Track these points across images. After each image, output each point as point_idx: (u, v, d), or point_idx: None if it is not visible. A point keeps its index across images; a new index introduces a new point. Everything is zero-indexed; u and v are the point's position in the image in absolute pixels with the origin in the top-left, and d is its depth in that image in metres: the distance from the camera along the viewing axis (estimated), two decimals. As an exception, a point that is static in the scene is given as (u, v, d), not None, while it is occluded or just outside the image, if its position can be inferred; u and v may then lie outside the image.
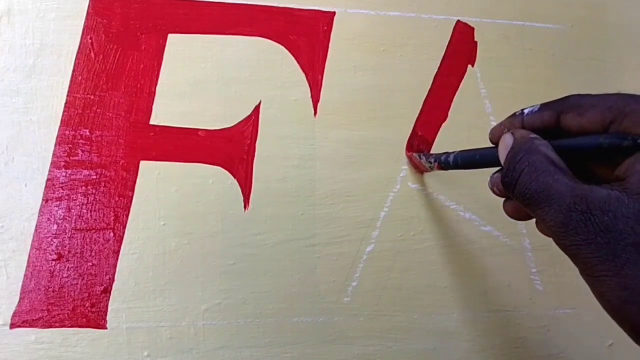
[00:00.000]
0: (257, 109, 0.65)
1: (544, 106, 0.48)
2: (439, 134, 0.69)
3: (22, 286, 0.58)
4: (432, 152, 0.68)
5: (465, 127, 0.70)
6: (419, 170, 0.68)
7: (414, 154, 0.66)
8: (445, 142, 0.69)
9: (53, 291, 0.59)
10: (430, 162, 0.63)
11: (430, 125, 0.69)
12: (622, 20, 0.76)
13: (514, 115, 0.50)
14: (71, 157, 0.61)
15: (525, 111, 0.49)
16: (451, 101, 0.70)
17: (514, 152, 0.45)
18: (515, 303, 0.68)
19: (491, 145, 0.51)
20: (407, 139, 0.68)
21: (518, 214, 0.50)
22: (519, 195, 0.44)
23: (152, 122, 0.63)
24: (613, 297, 0.38)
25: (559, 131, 0.46)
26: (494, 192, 0.51)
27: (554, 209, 0.41)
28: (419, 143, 0.69)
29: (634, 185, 0.39)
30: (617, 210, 0.38)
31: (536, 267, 0.69)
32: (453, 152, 0.59)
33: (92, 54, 0.62)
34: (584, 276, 0.40)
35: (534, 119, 0.48)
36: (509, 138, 0.47)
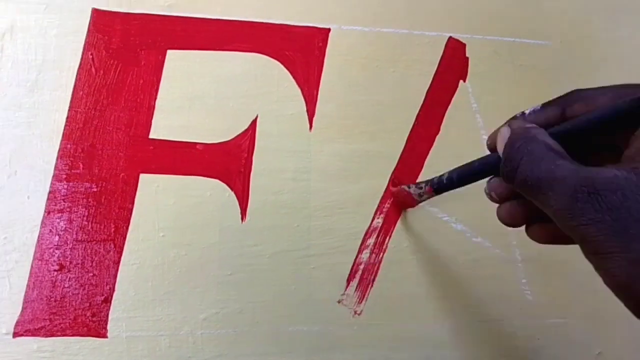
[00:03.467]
0: (253, 123, 0.66)
1: (547, 104, 0.48)
2: (432, 148, 0.70)
3: (25, 296, 0.59)
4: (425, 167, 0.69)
5: (457, 140, 0.70)
6: (406, 205, 0.67)
7: (402, 186, 0.65)
8: (437, 155, 0.70)
9: (55, 301, 0.59)
10: (421, 188, 0.61)
11: (421, 140, 0.70)
12: (610, 37, 0.77)
13: (514, 118, 0.50)
14: (72, 170, 0.62)
15: (527, 112, 0.49)
16: (443, 115, 0.71)
17: (511, 141, 0.45)
18: (506, 313, 0.69)
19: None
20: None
21: (513, 219, 0.50)
22: (520, 184, 0.43)
23: (152, 136, 0.64)
24: (621, 273, 0.37)
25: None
26: (491, 197, 0.50)
27: (558, 193, 0.40)
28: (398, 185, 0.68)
29: None
30: (626, 189, 0.37)
31: (526, 277, 0.70)
32: (444, 173, 0.58)
33: (93, 70, 0.63)
34: (590, 256, 0.39)
35: (537, 118, 0.48)
36: (506, 130, 0.46)
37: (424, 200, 0.63)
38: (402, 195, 0.65)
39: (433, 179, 0.59)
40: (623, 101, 0.42)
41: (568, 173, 0.40)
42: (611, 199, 0.37)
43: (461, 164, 0.55)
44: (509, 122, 0.48)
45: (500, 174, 0.46)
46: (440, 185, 0.58)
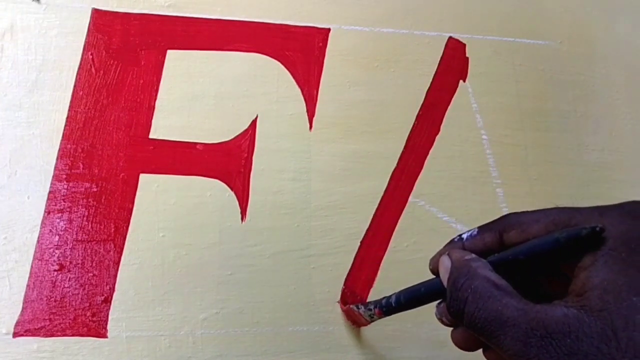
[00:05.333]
0: (253, 123, 0.66)
1: (483, 228, 0.47)
2: (432, 148, 0.70)
3: (25, 296, 0.59)
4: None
5: (457, 140, 0.70)
6: (358, 323, 0.64)
7: (351, 306, 0.62)
8: (437, 155, 0.70)
9: (55, 301, 0.59)
10: (370, 309, 0.59)
11: (421, 140, 0.70)
12: (610, 36, 0.77)
13: (452, 242, 0.49)
14: (72, 170, 0.62)
15: (464, 236, 0.47)
16: (443, 115, 0.71)
17: (453, 279, 0.43)
18: (506, 312, 0.69)
19: (432, 276, 0.50)
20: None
21: (467, 344, 0.47)
22: (469, 325, 0.41)
23: (152, 136, 0.64)
24: None
25: (503, 251, 0.44)
26: (442, 322, 0.48)
27: (509, 337, 0.38)
28: (350, 297, 0.66)
29: (593, 302, 0.36)
30: (579, 331, 0.36)
31: (526, 277, 0.70)
32: (392, 295, 0.56)
33: (93, 70, 0.63)
34: None
35: (475, 243, 0.46)
36: (447, 261, 0.45)
37: (375, 321, 0.60)
38: (353, 314, 0.63)
39: (382, 300, 0.57)
40: (559, 233, 0.40)
41: (517, 314, 0.38)
42: (565, 343, 0.36)
43: (408, 286, 0.54)
44: (448, 249, 0.48)
45: (447, 311, 0.45)
46: (388, 308, 0.57)
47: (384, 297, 0.57)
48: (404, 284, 0.66)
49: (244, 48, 0.67)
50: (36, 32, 0.63)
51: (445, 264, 0.45)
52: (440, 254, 0.48)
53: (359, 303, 0.62)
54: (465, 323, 0.42)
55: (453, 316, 0.44)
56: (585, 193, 0.72)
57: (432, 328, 0.66)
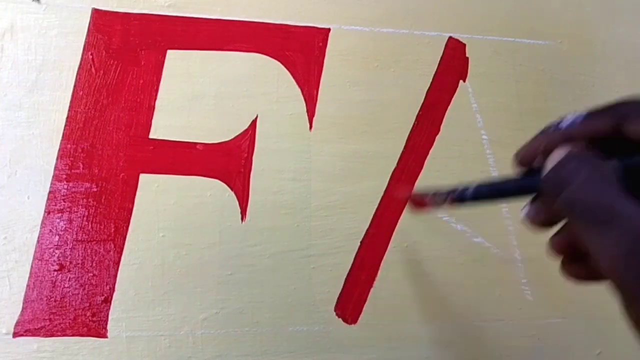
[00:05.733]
0: (253, 123, 0.66)
1: (593, 115, 0.40)
2: (432, 148, 0.70)
3: (25, 296, 0.59)
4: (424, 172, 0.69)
5: (457, 140, 0.71)
6: (420, 208, 0.59)
7: (420, 192, 0.57)
8: (437, 155, 0.70)
9: (55, 301, 0.60)
10: (442, 197, 0.52)
11: (421, 140, 0.70)
12: (610, 36, 0.77)
13: (547, 129, 0.42)
14: (72, 170, 0.62)
15: (564, 124, 0.41)
16: (443, 115, 0.71)
17: (569, 159, 0.37)
18: (506, 313, 0.69)
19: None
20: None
21: (562, 249, 0.42)
22: (565, 203, 0.35)
23: (152, 136, 0.64)
24: None
25: (617, 142, 0.38)
26: (532, 221, 0.42)
27: (615, 234, 0.32)
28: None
29: None
30: None
31: (526, 277, 0.70)
32: (466, 186, 0.49)
33: (93, 70, 0.63)
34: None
35: (583, 130, 0.40)
36: (561, 152, 0.39)
37: (440, 207, 0.54)
38: (418, 200, 0.59)
39: (455, 189, 0.50)
40: None
41: (632, 211, 0.33)
42: None
43: (487, 180, 0.48)
44: (542, 138, 0.42)
45: (544, 184, 0.39)
46: (463, 199, 0.49)
47: (456, 188, 0.50)
48: (404, 284, 0.66)
49: (244, 48, 0.67)
50: (36, 32, 0.63)
51: (556, 156, 0.39)
52: (535, 142, 0.42)
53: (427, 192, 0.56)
54: (560, 200, 0.36)
55: (549, 189, 0.38)
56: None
57: (433, 328, 0.67)
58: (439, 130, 0.70)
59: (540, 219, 0.41)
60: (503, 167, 0.70)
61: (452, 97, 0.71)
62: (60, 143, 0.62)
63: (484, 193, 0.47)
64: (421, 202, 0.57)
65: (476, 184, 0.48)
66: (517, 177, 0.44)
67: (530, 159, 0.42)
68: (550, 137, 0.41)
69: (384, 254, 0.67)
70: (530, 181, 0.43)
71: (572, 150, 0.38)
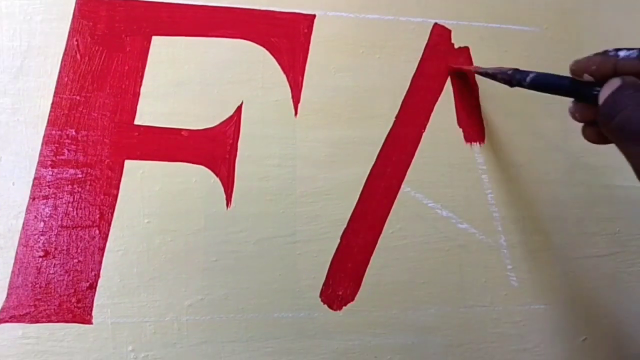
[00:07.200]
0: (239, 109, 0.66)
1: None
2: (419, 133, 0.70)
3: (10, 282, 0.59)
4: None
5: (444, 127, 0.71)
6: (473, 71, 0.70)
7: (478, 68, 0.68)
8: (423, 142, 0.70)
9: (40, 287, 0.60)
10: (506, 74, 0.61)
11: (406, 127, 0.70)
12: (595, 23, 0.77)
13: (605, 53, 0.48)
14: (57, 157, 0.62)
15: (621, 54, 0.46)
16: (432, 103, 0.71)
17: (621, 88, 0.43)
18: (491, 299, 0.69)
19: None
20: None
21: (599, 139, 0.49)
22: (617, 127, 0.41)
23: (137, 122, 0.64)
24: None
25: None
26: (574, 117, 0.50)
27: None
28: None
29: None
30: None
31: (511, 263, 0.70)
32: (525, 71, 0.58)
33: (78, 56, 0.63)
34: None
35: (634, 65, 0.45)
36: (618, 81, 0.44)
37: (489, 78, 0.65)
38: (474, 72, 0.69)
39: (514, 73, 0.60)
40: None
41: None
42: None
43: (546, 72, 0.55)
44: (599, 58, 0.47)
45: (599, 109, 0.45)
46: (520, 83, 0.59)
47: (512, 70, 0.60)
48: (390, 271, 0.67)
49: (229, 34, 0.67)
50: (21, 18, 0.63)
51: (613, 83, 0.45)
52: (590, 60, 0.48)
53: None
54: (613, 124, 0.42)
55: (603, 115, 0.44)
56: (571, 179, 0.72)
57: (418, 314, 0.67)
58: (425, 117, 0.70)
59: (579, 119, 0.49)
60: (488, 154, 0.70)
61: (439, 83, 0.71)
62: (46, 129, 0.62)
63: (543, 81, 0.55)
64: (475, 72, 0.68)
65: (532, 72, 0.56)
66: (573, 79, 0.51)
67: (581, 72, 0.48)
68: (605, 62, 0.46)
69: (374, 240, 0.67)
70: (586, 89, 0.49)
71: (629, 80, 0.44)
